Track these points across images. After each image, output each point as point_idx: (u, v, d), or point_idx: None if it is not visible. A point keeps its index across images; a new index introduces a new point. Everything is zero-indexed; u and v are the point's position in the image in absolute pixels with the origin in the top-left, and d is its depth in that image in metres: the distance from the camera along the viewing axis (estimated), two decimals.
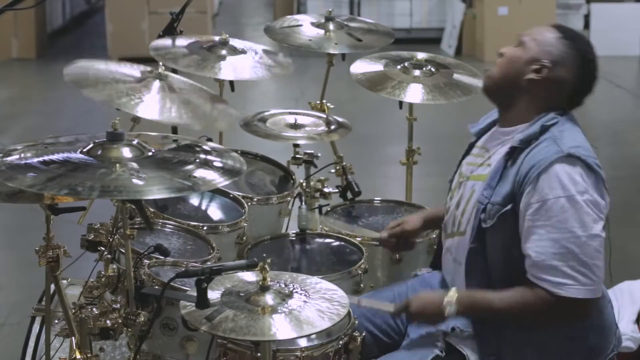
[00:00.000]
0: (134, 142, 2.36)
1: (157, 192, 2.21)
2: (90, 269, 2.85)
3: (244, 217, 3.15)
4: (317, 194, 3.58)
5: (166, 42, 3.39)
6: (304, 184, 3.56)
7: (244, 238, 3.13)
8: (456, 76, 3.51)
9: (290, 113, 3.68)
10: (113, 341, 2.91)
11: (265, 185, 3.57)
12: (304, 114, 3.68)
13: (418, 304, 2.59)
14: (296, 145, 3.63)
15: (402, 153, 3.82)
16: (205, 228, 3.07)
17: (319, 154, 3.64)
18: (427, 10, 11.45)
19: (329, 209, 3.44)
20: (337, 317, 2.25)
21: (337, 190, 3.61)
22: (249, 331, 2.17)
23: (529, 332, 2.52)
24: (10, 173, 2.22)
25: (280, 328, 2.18)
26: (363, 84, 3.53)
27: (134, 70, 3.06)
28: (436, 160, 5.13)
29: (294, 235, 3.27)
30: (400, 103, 3.54)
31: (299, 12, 11.05)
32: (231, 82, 3.47)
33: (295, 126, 3.57)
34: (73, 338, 2.56)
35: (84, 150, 2.32)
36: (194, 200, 3.31)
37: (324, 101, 3.76)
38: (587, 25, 10.73)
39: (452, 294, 2.54)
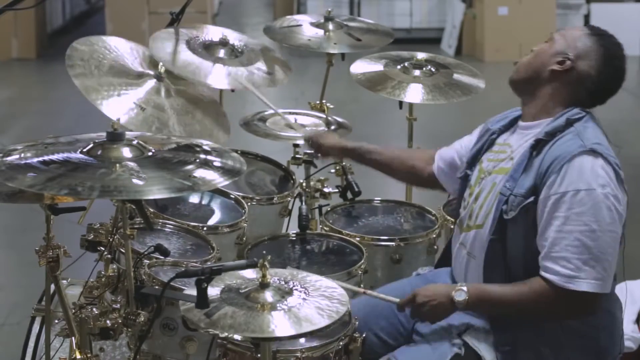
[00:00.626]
0: (134, 142, 2.36)
1: (157, 192, 2.21)
2: (90, 269, 2.85)
3: (244, 218, 3.15)
4: (317, 194, 3.58)
5: (166, 43, 3.39)
6: (304, 184, 3.56)
7: (244, 238, 3.13)
8: (456, 76, 3.51)
9: (290, 113, 3.68)
10: (113, 341, 2.91)
11: (265, 185, 3.57)
12: (304, 114, 3.68)
13: (425, 294, 2.58)
14: (296, 145, 3.64)
15: None
16: (205, 228, 3.07)
17: (319, 154, 3.64)
18: (427, 10, 11.44)
19: (329, 209, 3.44)
20: (337, 314, 2.25)
21: (337, 190, 3.60)
22: (247, 328, 2.17)
23: (543, 328, 2.53)
24: (10, 173, 2.22)
25: (279, 325, 2.18)
26: (363, 84, 3.54)
27: (135, 60, 3.07)
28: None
29: (294, 235, 3.27)
30: (400, 103, 3.54)
31: (299, 12, 11.05)
32: None
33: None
34: (73, 338, 2.56)
35: (84, 150, 2.32)
36: (194, 200, 3.30)
37: (324, 101, 3.76)
38: (587, 25, 10.73)
39: (462, 285, 2.55)
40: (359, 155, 3.11)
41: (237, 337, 2.26)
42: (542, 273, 2.45)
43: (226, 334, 2.20)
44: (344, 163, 3.67)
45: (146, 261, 2.72)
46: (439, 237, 3.29)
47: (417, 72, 3.52)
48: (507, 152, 2.66)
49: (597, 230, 2.42)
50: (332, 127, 3.59)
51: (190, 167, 2.33)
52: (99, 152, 2.31)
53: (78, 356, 2.52)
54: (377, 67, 3.57)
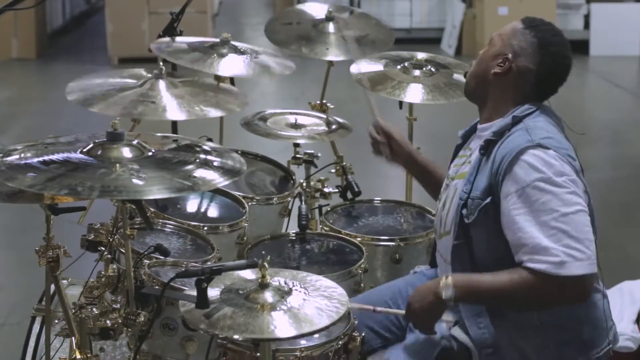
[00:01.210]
0: (134, 142, 2.36)
1: (157, 192, 2.21)
2: (90, 269, 2.85)
3: (244, 217, 3.15)
4: (317, 194, 3.58)
5: (167, 40, 3.41)
6: (304, 184, 3.56)
7: (244, 238, 3.13)
8: (456, 76, 3.51)
9: (290, 113, 3.68)
10: (113, 341, 2.91)
11: (265, 185, 3.57)
12: (304, 114, 3.68)
13: (416, 297, 2.57)
14: (296, 145, 3.64)
15: None
16: (205, 228, 3.07)
17: (319, 154, 3.64)
18: (427, 10, 11.45)
19: (329, 209, 3.44)
20: (336, 315, 2.25)
21: (337, 190, 3.61)
22: (247, 328, 2.17)
23: (523, 326, 2.52)
24: (10, 173, 2.22)
25: (278, 326, 2.18)
26: (363, 84, 3.53)
27: (132, 75, 3.12)
28: (436, 160, 5.13)
29: (294, 235, 3.27)
30: (400, 103, 3.54)
31: None
32: (232, 82, 3.47)
33: (296, 126, 3.58)
34: (73, 338, 2.56)
35: (84, 150, 2.32)
36: (194, 200, 3.30)
37: (324, 101, 3.76)
38: (587, 25, 10.73)
39: (447, 279, 2.51)
40: (421, 172, 3.06)
41: (237, 336, 2.26)
42: (529, 264, 2.41)
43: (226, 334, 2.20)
44: (344, 163, 3.68)
45: (146, 261, 2.72)
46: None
47: (417, 72, 3.51)
48: (467, 155, 2.68)
49: (568, 213, 2.39)
50: (333, 127, 3.59)
51: (190, 167, 2.33)
52: (99, 152, 2.31)
53: (78, 356, 2.52)
54: (377, 67, 3.57)
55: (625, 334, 3.54)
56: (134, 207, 2.54)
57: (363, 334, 2.61)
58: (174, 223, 3.06)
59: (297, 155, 3.63)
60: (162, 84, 3.08)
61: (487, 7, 10.33)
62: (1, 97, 9.02)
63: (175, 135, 2.70)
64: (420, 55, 3.58)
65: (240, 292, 2.29)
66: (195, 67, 3.24)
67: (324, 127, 3.59)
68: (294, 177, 3.55)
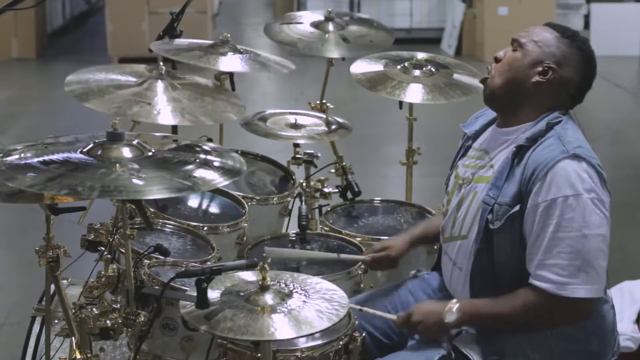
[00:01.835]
0: (134, 142, 2.36)
1: (157, 192, 2.21)
2: (90, 269, 2.85)
3: (244, 218, 3.15)
4: (317, 194, 3.58)
5: (167, 41, 3.41)
6: (304, 184, 3.56)
7: (244, 238, 3.13)
8: (456, 76, 3.51)
9: (290, 113, 3.68)
10: (113, 341, 2.91)
11: (265, 185, 3.57)
12: (304, 114, 3.68)
13: (419, 313, 2.57)
14: (296, 145, 3.64)
15: (402, 153, 3.82)
16: (205, 228, 3.07)
17: (319, 154, 3.64)
18: (427, 10, 11.45)
19: (329, 209, 3.44)
20: (336, 317, 2.25)
21: (337, 190, 3.61)
22: (247, 331, 2.16)
23: (532, 335, 2.51)
24: (10, 173, 2.22)
25: (278, 328, 2.17)
26: (363, 84, 3.53)
27: (132, 72, 3.10)
28: (436, 160, 5.12)
29: (294, 235, 3.27)
30: (400, 103, 3.54)
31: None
32: (232, 82, 3.47)
33: (296, 126, 3.58)
34: (73, 338, 2.56)
35: (84, 150, 2.32)
36: (194, 201, 3.30)
37: (324, 101, 3.76)
38: (587, 25, 10.74)
39: (454, 302, 2.53)
40: (430, 237, 2.98)
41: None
42: (534, 282, 2.42)
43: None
44: (344, 163, 3.68)
45: (146, 261, 2.72)
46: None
47: (417, 72, 3.51)
48: (485, 159, 2.63)
49: (588, 235, 2.39)
50: (333, 127, 3.59)
51: (190, 167, 2.33)
52: (99, 152, 2.31)
53: (78, 356, 2.52)
54: (377, 67, 3.57)
55: (625, 334, 3.54)
56: (134, 207, 2.54)
57: (364, 334, 2.61)
58: (174, 223, 3.05)
59: (297, 155, 3.63)
60: (160, 85, 3.05)
61: (487, 7, 10.33)
62: (1, 97, 9.02)
63: (175, 135, 2.70)
64: (420, 55, 3.58)
65: (241, 294, 2.29)
66: (194, 64, 3.22)
67: (323, 127, 3.59)
68: (294, 177, 3.55)
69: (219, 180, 2.32)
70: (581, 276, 2.39)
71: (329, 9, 3.77)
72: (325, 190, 3.59)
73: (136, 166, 2.26)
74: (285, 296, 2.28)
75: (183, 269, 2.62)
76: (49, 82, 9.41)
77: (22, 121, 8.09)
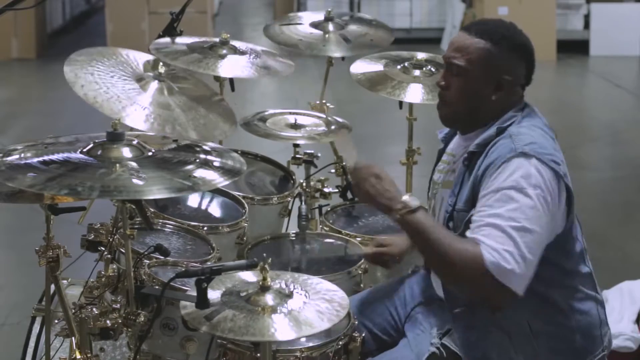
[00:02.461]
0: (134, 142, 2.36)
1: (157, 192, 2.21)
2: (90, 269, 2.85)
3: (244, 217, 3.15)
4: (317, 194, 3.58)
5: (166, 40, 3.40)
6: (304, 184, 3.56)
7: (244, 238, 3.13)
8: None
9: (290, 113, 3.68)
10: (113, 341, 2.91)
11: (265, 185, 3.57)
12: (304, 114, 3.68)
13: (387, 176, 2.54)
14: (296, 146, 3.64)
15: (402, 153, 3.82)
16: (205, 228, 3.07)
17: (319, 154, 3.64)
18: (427, 10, 11.45)
19: (329, 209, 3.44)
20: (337, 318, 2.25)
21: (337, 190, 3.61)
22: (247, 331, 2.16)
23: (514, 334, 2.51)
24: (10, 173, 2.22)
25: (278, 328, 2.17)
26: (363, 84, 3.53)
27: (135, 64, 3.07)
28: None
29: (294, 235, 3.27)
30: (400, 103, 3.54)
31: (299, 12, 11.05)
32: (231, 82, 3.47)
33: (296, 126, 3.58)
34: (73, 338, 2.56)
35: (84, 150, 2.32)
36: (194, 200, 3.30)
37: (324, 101, 3.76)
38: (587, 25, 10.73)
39: (418, 200, 2.47)
40: None
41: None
42: (483, 249, 2.33)
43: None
44: (344, 163, 3.68)
45: (146, 261, 2.72)
46: None
47: (417, 72, 3.51)
48: (450, 162, 2.65)
49: (527, 229, 2.34)
50: (333, 127, 3.59)
51: (190, 167, 2.33)
52: (99, 152, 2.31)
53: (78, 356, 2.52)
54: (377, 67, 3.57)
55: (625, 334, 3.54)
56: (134, 207, 2.54)
57: (363, 335, 2.61)
58: (174, 223, 3.05)
59: (297, 156, 3.63)
60: (153, 87, 2.98)
61: (487, 7, 10.33)
62: (1, 97, 9.02)
63: (175, 135, 2.69)
64: (420, 55, 3.58)
65: (241, 294, 2.29)
66: (192, 69, 3.20)
67: (323, 127, 3.59)
68: (294, 177, 3.55)
69: (219, 180, 2.32)
70: (514, 266, 2.32)
71: (329, 9, 3.77)
72: (325, 190, 3.59)
73: (136, 166, 2.26)
74: (285, 297, 2.28)
75: (183, 269, 2.62)
76: (49, 82, 9.41)
77: (22, 121, 8.09)
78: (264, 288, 2.27)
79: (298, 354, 2.47)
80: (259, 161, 3.65)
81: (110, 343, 2.97)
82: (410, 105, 3.65)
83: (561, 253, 2.50)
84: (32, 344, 3.06)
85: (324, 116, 3.67)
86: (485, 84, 2.54)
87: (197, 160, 2.37)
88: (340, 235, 3.22)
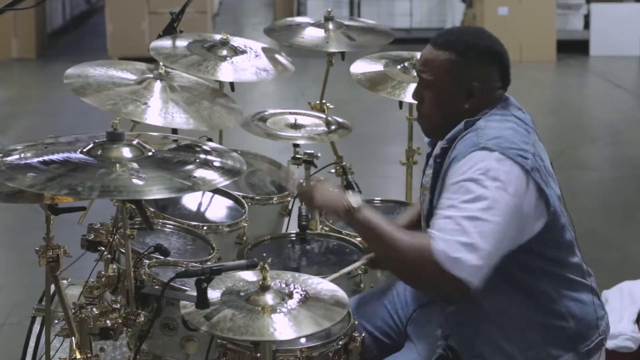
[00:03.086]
0: (134, 142, 2.36)
1: (157, 192, 2.21)
2: (90, 269, 2.85)
3: (244, 217, 3.15)
4: None
5: (166, 42, 3.39)
6: (304, 184, 3.55)
7: (244, 238, 3.13)
8: None
9: (290, 113, 3.68)
10: (113, 341, 2.91)
11: (265, 185, 3.57)
12: (304, 114, 3.68)
13: (322, 192, 2.56)
14: (296, 145, 3.64)
15: (402, 153, 3.82)
16: (205, 228, 3.07)
17: (319, 154, 3.64)
18: (427, 10, 11.45)
19: None
20: (336, 317, 2.25)
21: None
22: (246, 331, 2.16)
23: (507, 328, 2.51)
24: (10, 173, 2.22)
25: (278, 328, 2.17)
26: (363, 84, 3.54)
27: (133, 70, 3.08)
28: None
29: (294, 235, 3.27)
30: (400, 103, 3.54)
31: (299, 13, 11.06)
32: (231, 82, 3.47)
33: (295, 126, 3.58)
34: (73, 338, 2.56)
35: (84, 150, 2.32)
36: (195, 200, 3.30)
37: (324, 101, 3.76)
38: (587, 25, 10.73)
39: (360, 197, 2.49)
40: (415, 223, 2.95)
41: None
42: (435, 233, 2.34)
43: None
44: (344, 163, 3.68)
45: (146, 261, 2.72)
46: None
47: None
48: (432, 163, 2.65)
49: (480, 218, 2.33)
50: (333, 127, 3.59)
51: (190, 167, 2.33)
52: (99, 152, 2.31)
53: (78, 356, 2.52)
54: (377, 67, 3.57)
55: (625, 334, 3.54)
56: (134, 207, 2.54)
57: (363, 334, 2.61)
58: (174, 223, 3.05)
59: (297, 155, 3.63)
60: (158, 86, 3.01)
61: (487, 7, 10.33)
62: (1, 97, 9.02)
63: (175, 135, 2.69)
64: None
65: (241, 294, 2.29)
66: (192, 73, 3.20)
67: (323, 127, 3.59)
68: (293, 178, 3.55)
69: (219, 180, 2.32)
70: (463, 256, 2.31)
71: (329, 9, 3.77)
72: None
73: (136, 166, 2.26)
74: (285, 296, 2.28)
75: (183, 269, 2.62)
76: (49, 82, 9.41)
77: (22, 121, 8.09)
78: (263, 288, 2.28)
79: (298, 353, 2.47)
80: (259, 161, 3.64)
81: (110, 343, 2.97)
82: (410, 105, 3.65)
83: (548, 243, 2.49)
84: (32, 344, 3.06)
85: (324, 116, 3.67)
86: (456, 94, 2.55)
87: (197, 160, 2.38)
88: (340, 236, 3.22)
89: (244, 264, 2.35)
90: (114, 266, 2.77)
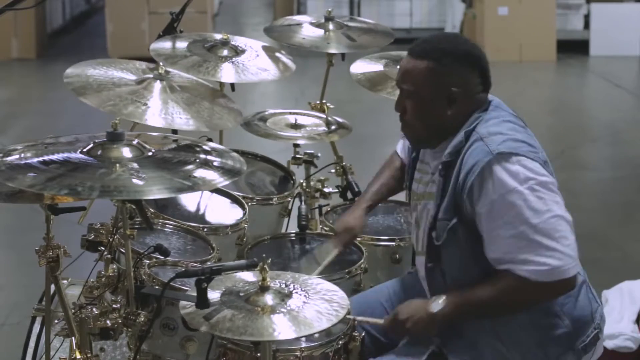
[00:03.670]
0: (134, 142, 2.36)
1: (157, 192, 2.21)
2: (90, 269, 2.85)
3: (244, 218, 3.15)
4: (317, 194, 3.58)
5: (166, 43, 3.39)
6: (304, 184, 3.56)
7: (244, 238, 3.13)
8: None
9: (290, 113, 3.68)
10: (113, 341, 2.91)
11: (265, 185, 3.57)
12: (304, 114, 3.68)
13: (405, 311, 2.56)
14: (296, 145, 3.64)
15: None
16: (205, 228, 3.06)
17: (319, 154, 3.64)
18: (427, 10, 11.45)
19: (329, 209, 3.44)
20: (336, 318, 2.25)
21: (337, 190, 3.61)
22: (245, 331, 2.17)
23: (502, 331, 2.52)
24: (10, 173, 2.22)
25: (277, 328, 2.17)
26: (363, 84, 3.53)
27: (133, 69, 3.07)
28: None
29: (294, 235, 3.27)
30: None
31: (299, 12, 11.06)
32: (232, 82, 3.47)
33: (296, 126, 3.58)
34: (73, 338, 2.56)
35: (84, 150, 2.32)
36: (195, 200, 3.30)
37: (324, 101, 3.76)
38: (587, 25, 10.73)
39: (438, 296, 2.53)
40: (385, 194, 3.09)
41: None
42: (513, 270, 2.41)
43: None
44: (344, 163, 3.68)
45: (146, 261, 2.72)
46: None
47: None
48: (429, 173, 2.65)
49: (538, 224, 2.38)
50: (333, 127, 3.58)
51: (190, 167, 2.33)
52: (99, 152, 2.31)
53: (78, 356, 2.52)
54: (377, 67, 3.57)
55: (625, 334, 3.54)
56: (134, 207, 2.54)
57: (363, 334, 2.61)
58: (174, 223, 3.05)
59: (297, 156, 3.63)
60: (157, 86, 3.00)
61: (487, 7, 10.32)
62: (1, 97, 9.02)
63: (175, 135, 2.69)
64: None
65: (241, 294, 2.29)
66: (192, 74, 3.20)
67: (323, 127, 3.59)
68: (294, 177, 3.55)
69: (219, 180, 2.32)
70: (548, 261, 2.38)
71: (329, 9, 3.77)
72: (325, 190, 3.59)
73: (136, 166, 2.26)
74: (285, 296, 2.28)
75: (183, 269, 2.62)
76: (49, 82, 9.41)
77: (22, 121, 8.09)
78: (263, 288, 2.28)
79: (298, 353, 2.47)
80: (259, 161, 3.64)
81: (110, 343, 2.97)
82: None
83: None
84: (32, 344, 3.06)
85: (324, 116, 3.67)
86: (436, 102, 2.56)
87: (197, 160, 2.37)
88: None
89: (243, 264, 2.35)
90: (114, 266, 2.77)
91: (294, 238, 3.26)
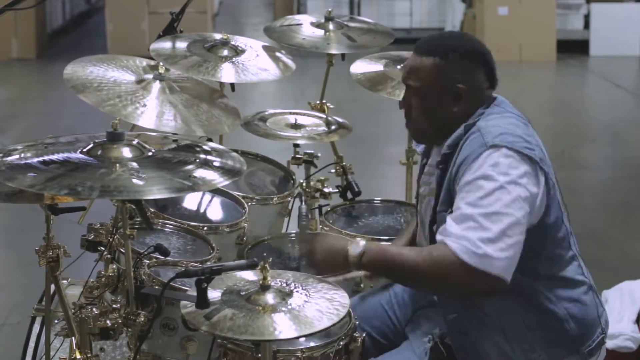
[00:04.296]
0: (134, 142, 2.36)
1: (157, 192, 2.21)
2: (90, 269, 2.85)
3: (244, 218, 3.15)
4: (317, 194, 3.58)
5: (166, 43, 3.38)
6: (304, 184, 3.56)
7: (244, 238, 3.13)
8: None
9: (290, 113, 3.68)
10: (113, 341, 2.91)
11: (265, 185, 3.57)
12: (304, 114, 3.68)
13: (322, 247, 2.56)
14: (296, 145, 3.64)
15: (402, 153, 3.82)
16: (205, 228, 3.07)
17: (319, 154, 3.64)
18: (427, 10, 11.45)
19: (329, 209, 3.44)
20: (337, 317, 2.25)
21: (337, 190, 3.61)
22: (246, 330, 2.16)
23: (508, 330, 2.51)
24: (10, 173, 2.22)
25: (278, 327, 2.17)
26: (363, 84, 3.53)
27: (133, 67, 3.07)
28: None
29: (294, 235, 3.27)
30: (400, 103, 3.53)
31: (299, 12, 11.06)
32: (232, 82, 3.46)
33: (296, 126, 3.58)
34: (73, 338, 2.56)
35: (84, 150, 2.32)
36: (195, 200, 3.30)
37: (324, 101, 3.76)
38: (587, 25, 10.74)
39: (361, 239, 2.51)
40: None
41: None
42: (448, 242, 2.36)
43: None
44: (344, 163, 3.68)
45: (146, 261, 2.72)
46: None
47: None
48: (435, 174, 2.65)
49: (494, 213, 2.35)
50: (333, 127, 3.58)
51: (190, 167, 2.33)
52: (99, 152, 2.31)
53: (78, 356, 2.52)
54: (377, 67, 3.57)
55: (625, 334, 3.54)
56: (134, 207, 2.54)
57: (364, 335, 2.61)
58: (174, 223, 3.05)
59: (297, 156, 3.63)
60: (156, 87, 2.98)
61: (487, 7, 10.33)
62: (1, 97, 9.03)
63: (175, 135, 2.69)
64: None
65: (242, 293, 2.29)
66: (192, 74, 3.19)
67: (323, 127, 3.59)
68: (294, 177, 3.55)
69: (219, 180, 2.32)
70: (487, 250, 2.33)
71: (329, 9, 3.76)
72: (325, 190, 3.59)
73: (136, 166, 2.26)
74: (286, 295, 2.28)
75: (183, 269, 2.62)
76: (49, 82, 9.41)
77: (22, 121, 8.09)
78: (264, 287, 2.28)
79: (299, 354, 2.46)
80: (259, 161, 3.64)
81: (110, 343, 2.97)
82: None
83: (543, 240, 2.49)
84: (32, 344, 3.06)
85: (324, 116, 3.67)
86: (442, 98, 2.57)
87: (197, 160, 2.37)
88: (340, 235, 3.22)
89: (244, 264, 2.35)
90: (114, 266, 2.77)
91: (294, 238, 3.25)
